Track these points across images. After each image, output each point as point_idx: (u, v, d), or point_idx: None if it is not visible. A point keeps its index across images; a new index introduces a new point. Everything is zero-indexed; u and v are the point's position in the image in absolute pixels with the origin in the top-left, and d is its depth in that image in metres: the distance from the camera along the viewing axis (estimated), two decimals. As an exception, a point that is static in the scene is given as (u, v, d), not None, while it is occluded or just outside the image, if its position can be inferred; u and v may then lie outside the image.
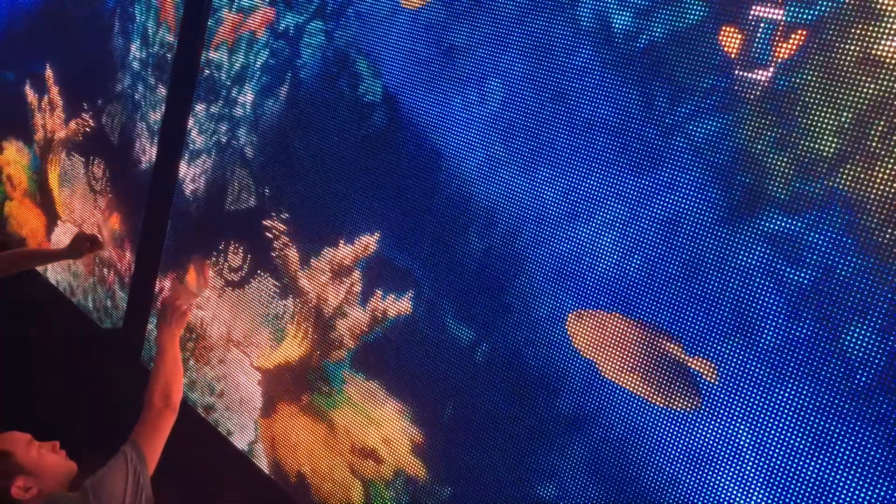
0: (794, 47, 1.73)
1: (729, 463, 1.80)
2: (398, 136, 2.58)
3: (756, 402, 1.76)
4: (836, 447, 1.65)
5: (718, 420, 1.82)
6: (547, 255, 2.16)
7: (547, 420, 2.14)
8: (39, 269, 4.61)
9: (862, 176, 1.62)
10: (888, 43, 1.60)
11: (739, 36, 1.81)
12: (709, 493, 1.83)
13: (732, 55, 1.82)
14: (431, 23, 2.50)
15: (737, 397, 1.79)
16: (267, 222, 3.06)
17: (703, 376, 1.82)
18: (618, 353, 1.99)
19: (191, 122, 3.52)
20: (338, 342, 2.75)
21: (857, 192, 1.63)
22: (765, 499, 1.74)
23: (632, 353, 1.96)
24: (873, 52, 1.62)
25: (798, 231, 1.71)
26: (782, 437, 1.72)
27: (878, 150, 1.61)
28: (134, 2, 3.93)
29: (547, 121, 2.18)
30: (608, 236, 2.04)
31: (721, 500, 1.80)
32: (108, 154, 4.11)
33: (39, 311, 4.46)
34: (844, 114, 1.66)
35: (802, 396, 1.69)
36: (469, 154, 2.37)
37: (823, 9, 1.69)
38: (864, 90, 1.63)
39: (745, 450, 1.78)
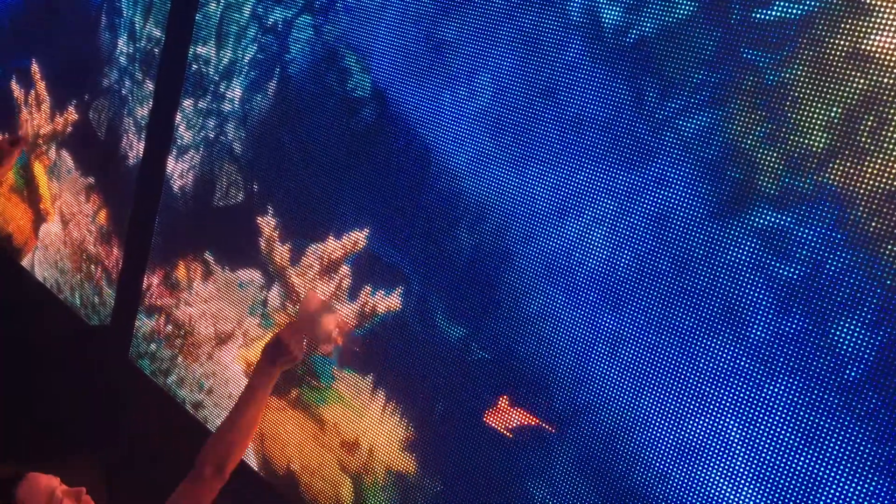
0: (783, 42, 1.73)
1: (719, 459, 1.80)
2: (387, 131, 2.57)
3: (745, 397, 1.76)
4: (827, 443, 1.65)
5: (708, 416, 1.82)
6: (537, 251, 2.16)
7: (537, 416, 2.13)
8: (26, 265, 4.58)
9: (852, 171, 1.62)
10: (878, 38, 1.60)
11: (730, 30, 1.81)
12: (699, 488, 1.83)
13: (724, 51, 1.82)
14: (421, 17, 2.49)
15: (726, 393, 1.79)
16: (256, 217, 3.04)
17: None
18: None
19: (178, 117, 3.49)
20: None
21: (846, 187, 1.63)
22: (755, 494, 1.74)
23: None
24: (863, 47, 1.62)
25: (788, 226, 1.71)
26: (772, 432, 1.72)
27: (867, 146, 1.61)
28: (121, -4, 3.90)
29: (537, 116, 2.17)
30: (598, 232, 2.03)
31: (711, 495, 1.80)
32: (96, 149, 4.08)
33: (26, 309, 4.43)
34: (834, 109, 1.66)
35: (792, 392, 1.69)
36: (459, 149, 2.36)
37: (813, 3, 1.69)
38: (854, 85, 1.63)
39: (734, 445, 1.78)
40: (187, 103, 3.45)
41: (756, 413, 1.75)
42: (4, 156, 3.68)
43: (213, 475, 2.03)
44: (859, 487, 1.60)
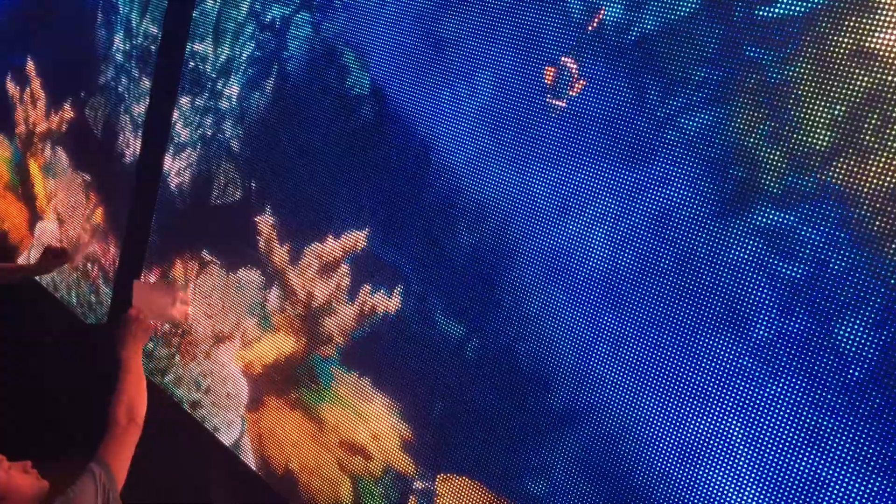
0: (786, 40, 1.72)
1: (721, 458, 1.79)
2: (386, 129, 2.56)
3: (748, 397, 1.75)
4: (830, 442, 1.64)
5: (710, 415, 1.81)
6: (537, 249, 2.14)
7: (537, 416, 2.12)
8: (22, 263, 4.55)
9: (855, 169, 1.61)
10: (881, 35, 1.59)
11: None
12: (701, 488, 1.82)
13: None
14: (420, 14, 2.47)
15: (729, 392, 1.78)
16: (254, 216, 3.03)
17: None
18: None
19: (175, 114, 3.47)
20: (326, 337, 2.73)
21: (850, 185, 1.62)
22: (757, 494, 1.73)
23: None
24: (866, 44, 1.61)
25: (791, 225, 1.70)
26: (775, 432, 1.71)
27: (871, 144, 1.60)
28: (117, -7, 3.87)
29: (537, 114, 2.16)
30: (599, 230, 2.02)
31: (713, 495, 1.80)
32: (92, 147, 4.06)
33: (23, 307, 4.41)
34: (838, 107, 1.64)
35: (795, 391, 1.69)
36: (458, 147, 2.34)
37: (816, 1, 1.68)
38: (858, 83, 1.62)
39: (737, 445, 1.77)
40: (184, 101, 3.43)
41: (759, 413, 1.74)
42: (48, 265, 3.33)
43: (128, 421, 2.29)
44: (863, 487, 1.59)
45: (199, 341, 3.29)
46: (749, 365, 1.75)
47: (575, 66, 2.02)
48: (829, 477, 1.64)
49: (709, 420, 1.81)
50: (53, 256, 3.23)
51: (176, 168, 3.46)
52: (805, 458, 1.67)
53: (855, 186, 1.62)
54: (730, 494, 1.77)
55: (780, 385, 1.71)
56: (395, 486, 2.48)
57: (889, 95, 1.58)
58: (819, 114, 1.67)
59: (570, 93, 2.04)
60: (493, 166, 2.25)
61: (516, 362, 2.17)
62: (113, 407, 2.33)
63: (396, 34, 2.54)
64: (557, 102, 2.05)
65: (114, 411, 2.32)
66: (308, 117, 2.84)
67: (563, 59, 2.05)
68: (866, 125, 1.60)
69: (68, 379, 3.78)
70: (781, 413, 1.71)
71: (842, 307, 1.63)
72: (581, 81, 1.99)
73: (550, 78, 2.07)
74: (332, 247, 2.72)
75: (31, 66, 4.51)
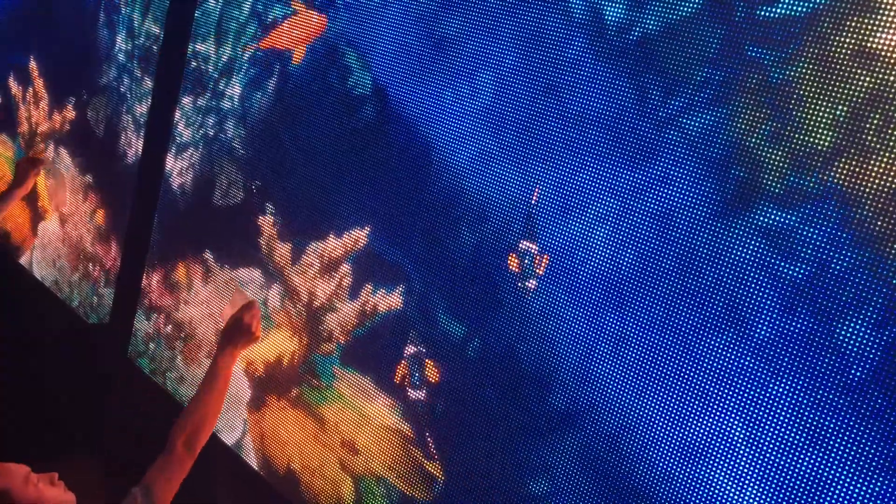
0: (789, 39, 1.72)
1: (723, 458, 1.79)
2: (388, 129, 2.56)
3: (750, 397, 1.75)
4: (831, 442, 1.64)
5: (712, 415, 1.81)
6: (539, 249, 2.14)
7: (539, 415, 2.12)
8: (24, 264, 4.56)
9: (857, 170, 1.62)
10: (884, 35, 1.59)
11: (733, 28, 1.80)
12: (702, 488, 1.82)
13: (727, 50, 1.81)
14: (422, 14, 2.47)
15: (730, 392, 1.78)
16: (255, 216, 3.03)
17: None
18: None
19: (178, 114, 3.48)
20: (327, 336, 2.73)
21: (852, 186, 1.62)
22: (759, 494, 1.73)
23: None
24: (869, 44, 1.61)
25: (793, 225, 1.70)
26: (776, 432, 1.71)
27: (873, 144, 1.60)
28: (119, -7, 3.88)
29: (539, 114, 2.16)
30: (601, 230, 2.02)
31: (715, 495, 1.80)
32: (94, 147, 4.06)
33: (24, 307, 4.41)
34: (839, 107, 1.64)
35: (797, 391, 1.69)
36: (460, 147, 2.34)
37: (818, 0, 1.68)
38: (860, 83, 1.62)
39: (738, 445, 1.77)
40: (186, 101, 3.43)
41: (761, 413, 1.74)
42: (25, 174, 3.81)
43: (183, 452, 2.18)
44: (864, 487, 1.59)
45: (202, 343, 3.29)
46: (750, 365, 1.75)
47: (535, 247, 2.10)
48: (830, 477, 1.64)
49: (710, 420, 1.81)
50: (28, 164, 3.50)
51: (178, 168, 3.47)
52: (807, 459, 1.67)
53: (857, 187, 1.62)
54: (731, 495, 1.77)
55: (782, 385, 1.71)
56: (396, 486, 2.48)
57: (891, 96, 1.58)
58: (821, 114, 1.67)
59: (538, 271, 2.10)
60: (495, 166, 2.25)
61: (518, 362, 2.18)
62: (176, 429, 2.21)
63: (398, 34, 2.54)
64: (530, 284, 2.13)
65: (175, 435, 2.19)
66: (310, 117, 2.84)
67: (521, 243, 2.13)
68: (868, 125, 1.61)
69: (68, 379, 3.79)
70: (783, 413, 1.71)
71: (843, 307, 1.63)
72: (545, 258, 2.08)
73: (515, 265, 2.16)
74: (333, 246, 2.72)
75: (33, 65, 4.52)
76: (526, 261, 2.13)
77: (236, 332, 2.40)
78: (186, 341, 3.36)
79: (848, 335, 1.62)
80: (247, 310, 2.49)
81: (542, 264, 2.09)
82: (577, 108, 2.08)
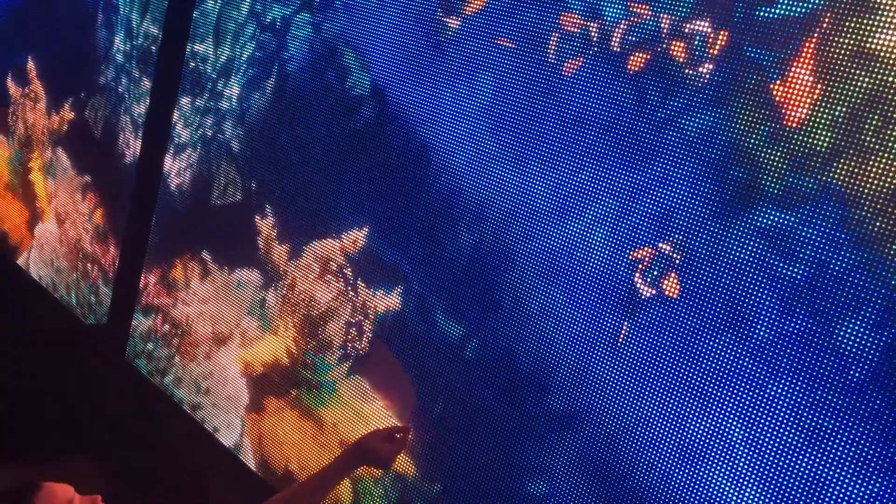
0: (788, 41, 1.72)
1: (721, 459, 1.79)
2: (387, 130, 2.56)
3: (748, 398, 1.75)
4: (830, 444, 1.64)
5: (710, 416, 1.81)
6: (537, 250, 2.14)
7: (537, 416, 2.12)
8: (21, 264, 4.55)
9: (856, 170, 1.61)
10: (882, 36, 1.59)
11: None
12: (701, 489, 1.82)
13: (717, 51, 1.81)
14: (420, 15, 2.47)
15: (729, 393, 1.78)
16: (253, 216, 3.02)
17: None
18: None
19: (176, 115, 3.47)
20: (326, 337, 2.73)
21: (851, 186, 1.62)
22: (758, 495, 1.73)
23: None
24: (867, 45, 1.61)
25: (791, 226, 1.70)
26: (775, 433, 1.71)
27: (872, 145, 1.60)
28: (117, -7, 3.87)
29: (537, 115, 2.16)
30: (599, 231, 2.02)
31: (713, 496, 1.79)
32: (92, 147, 4.06)
33: (22, 307, 4.41)
34: (838, 108, 1.64)
35: (795, 392, 1.68)
36: (459, 148, 2.34)
37: (817, 1, 1.68)
38: (858, 84, 1.62)
39: (737, 446, 1.77)
40: (185, 101, 3.43)
41: (759, 414, 1.73)
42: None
43: None
44: (863, 488, 1.59)
45: (199, 342, 3.28)
46: (749, 365, 1.75)
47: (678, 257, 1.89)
48: (829, 478, 1.63)
49: (709, 421, 1.81)
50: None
51: (176, 168, 3.46)
52: (805, 460, 1.67)
53: (856, 187, 1.62)
54: (730, 496, 1.77)
55: (781, 386, 1.71)
56: (394, 487, 2.48)
57: (890, 96, 1.58)
58: (820, 115, 1.67)
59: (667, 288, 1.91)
60: (494, 167, 2.25)
61: (516, 363, 2.17)
62: None
63: (397, 35, 2.54)
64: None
65: None
66: (308, 118, 2.84)
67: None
68: (867, 126, 1.60)
69: (68, 379, 3.78)
70: (781, 414, 1.70)
71: (842, 308, 1.63)
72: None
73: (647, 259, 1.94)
74: (331, 247, 2.72)
75: (31, 66, 4.51)
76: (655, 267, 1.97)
77: (373, 455, 2.26)
78: (182, 339, 3.35)
79: (847, 336, 1.62)
80: (395, 438, 2.34)
81: (668, 281, 1.92)
82: (576, 109, 2.07)
